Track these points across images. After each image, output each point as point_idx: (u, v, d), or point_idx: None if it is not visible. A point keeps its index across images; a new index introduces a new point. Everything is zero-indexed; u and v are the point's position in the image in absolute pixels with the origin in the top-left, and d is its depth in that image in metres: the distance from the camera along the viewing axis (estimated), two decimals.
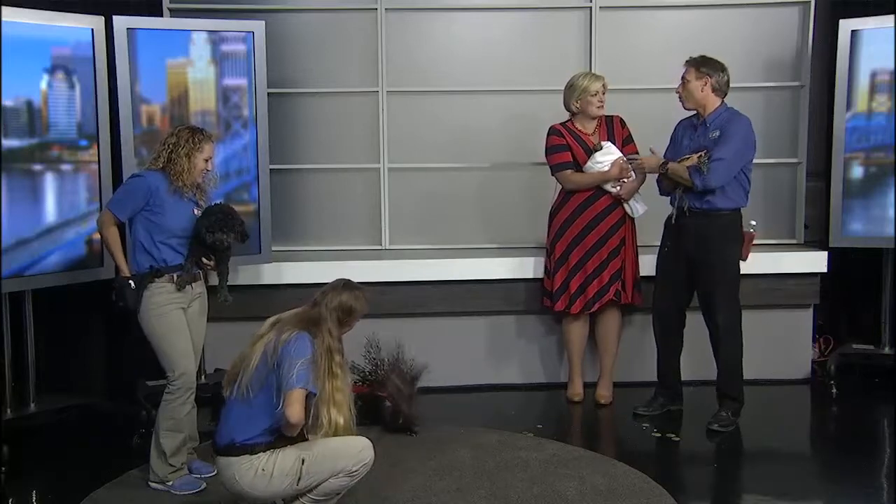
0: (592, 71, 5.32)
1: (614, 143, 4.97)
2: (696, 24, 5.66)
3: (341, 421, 3.34)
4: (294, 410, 3.21)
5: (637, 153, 5.02)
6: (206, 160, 4.00)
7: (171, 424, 3.95)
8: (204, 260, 4.03)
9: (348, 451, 3.38)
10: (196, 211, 4.01)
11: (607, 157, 4.92)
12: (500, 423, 4.83)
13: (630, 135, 5.07)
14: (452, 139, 5.71)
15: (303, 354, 3.28)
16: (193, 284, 4.03)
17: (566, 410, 5.19)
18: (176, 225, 3.96)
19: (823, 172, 5.62)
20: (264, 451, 3.32)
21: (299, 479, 3.33)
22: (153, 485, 3.97)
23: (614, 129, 5.05)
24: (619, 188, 4.95)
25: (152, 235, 3.92)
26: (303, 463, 3.32)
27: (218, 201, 4.22)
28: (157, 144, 4.09)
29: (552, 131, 5.05)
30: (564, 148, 5.00)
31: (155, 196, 3.91)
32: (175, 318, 3.96)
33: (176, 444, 3.95)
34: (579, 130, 5.02)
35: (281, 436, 3.34)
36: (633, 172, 4.91)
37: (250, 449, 3.32)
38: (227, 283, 4.17)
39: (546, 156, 5.07)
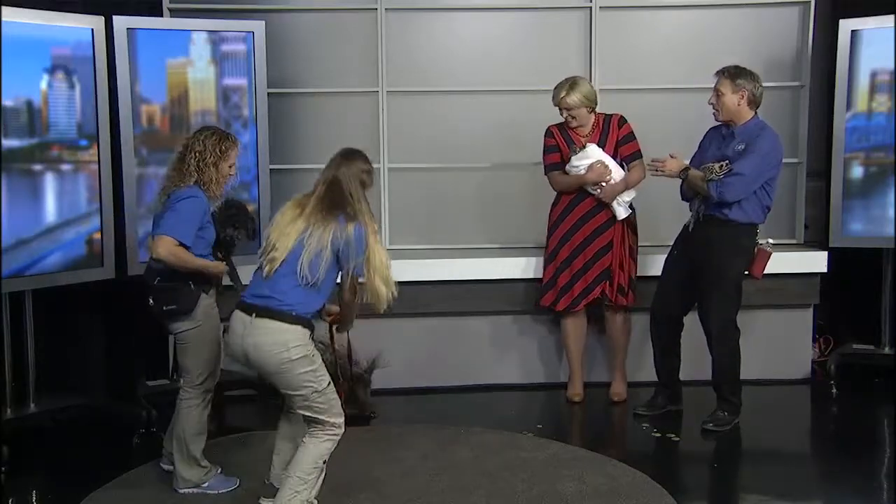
0: (580, 75, 5.17)
1: (605, 145, 4.97)
2: (696, 24, 5.66)
3: (390, 276, 3.58)
4: (352, 293, 3.58)
5: (636, 152, 5.01)
6: (231, 166, 3.90)
7: (199, 428, 3.90)
8: (219, 256, 4.02)
9: (337, 402, 3.56)
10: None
11: (584, 160, 4.93)
12: (500, 423, 4.83)
13: (628, 134, 5.03)
14: (452, 139, 5.71)
15: (363, 247, 3.49)
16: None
17: (566, 410, 5.19)
18: (213, 235, 3.92)
19: (823, 172, 5.62)
20: (311, 333, 3.49)
21: (317, 385, 3.47)
22: (185, 491, 3.91)
23: (610, 129, 5.03)
24: (599, 191, 4.96)
25: (197, 251, 3.82)
26: (321, 371, 3.50)
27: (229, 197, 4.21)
28: (182, 151, 3.87)
29: (546, 132, 5.10)
30: (554, 149, 5.05)
31: (207, 213, 3.84)
32: (217, 323, 3.92)
33: (203, 446, 3.93)
34: (573, 130, 5.02)
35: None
36: (612, 176, 4.91)
37: (303, 321, 3.47)
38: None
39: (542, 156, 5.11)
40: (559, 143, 5.03)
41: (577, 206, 5.02)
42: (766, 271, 4.69)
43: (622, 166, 5.01)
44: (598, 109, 5.04)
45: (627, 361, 5.27)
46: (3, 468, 4.22)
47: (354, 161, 3.60)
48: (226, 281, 4.11)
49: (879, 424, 4.95)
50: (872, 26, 5.25)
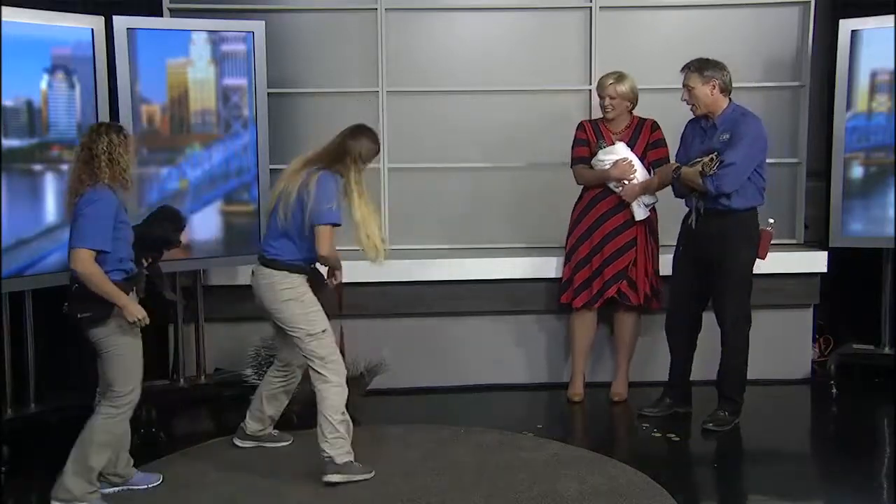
0: (614, 71, 5.17)
1: (634, 147, 4.98)
2: (697, 24, 5.66)
3: (376, 232, 3.99)
4: (324, 244, 3.88)
5: (664, 158, 5.00)
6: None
7: (108, 439, 3.70)
8: (149, 260, 4.02)
9: (335, 353, 4.00)
10: None
11: (609, 156, 4.94)
12: (500, 423, 4.83)
13: (659, 139, 5.04)
14: (452, 139, 5.71)
15: (329, 193, 3.85)
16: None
17: (567, 410, 5.19)
18: (131, 234, 3.77)
19: (823, 172, 5.62)
20: (300, 276, 3.96)
21: (309, 329, 3.91)
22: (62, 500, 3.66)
23: (641, 132, 5.05)
24: (620, 189, 4.96)
25: (119, 254, 3.69)
26: (314, 316, 3.96)
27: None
28: (88, 153, 3.68)
29: (578, 125, 5.14)
30: (583, 143, 5.07)
31: (120, 212, 3.69)
32: (138, 332, 3.72)
33: (105, 461, 3.74)
34: (605, 128, 5.05)
35: (314, 270, 4.06)
36: (636, 176, 4.92)
37: (289, 267, 3.95)
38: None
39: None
40: (589, 138, 5.05)
41: (598, 204, 5.03)
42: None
43: (649, 171, 5.01)
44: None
45: (631, 361, 5.26)
46: (3, 468, 4.23)
47: (361, 137, 4.01)
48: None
49: (879, 424, 4.95)
50: (872, 26, 5.25)
